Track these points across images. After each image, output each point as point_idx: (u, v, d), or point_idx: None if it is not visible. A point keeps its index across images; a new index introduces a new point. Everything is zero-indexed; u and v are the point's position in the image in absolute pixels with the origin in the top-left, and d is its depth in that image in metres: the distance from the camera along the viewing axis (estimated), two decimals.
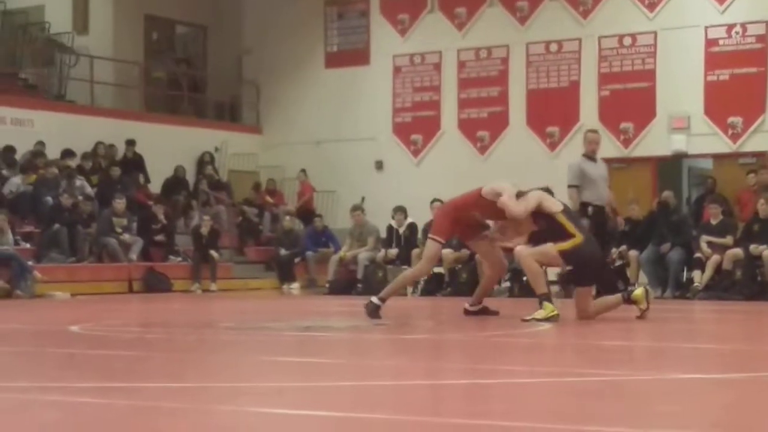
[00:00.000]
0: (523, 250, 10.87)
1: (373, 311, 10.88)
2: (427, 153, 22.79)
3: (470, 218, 11.09)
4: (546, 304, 10.36)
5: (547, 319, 10.19)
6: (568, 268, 10.93)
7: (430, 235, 11.31)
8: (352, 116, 23.43)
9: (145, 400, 5.25)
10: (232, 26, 25.17)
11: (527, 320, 10.29)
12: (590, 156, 13.97)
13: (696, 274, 16.80)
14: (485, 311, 11.40)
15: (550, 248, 10.54)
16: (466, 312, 11.44)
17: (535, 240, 11.13)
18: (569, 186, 13.78)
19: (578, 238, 10.43)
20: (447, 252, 16.98)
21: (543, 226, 10.63)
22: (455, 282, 17.47)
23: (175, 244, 20.47)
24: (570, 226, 10.49)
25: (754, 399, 5.37)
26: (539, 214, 10.56)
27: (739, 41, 19.92)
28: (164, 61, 24.57)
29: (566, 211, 10.69)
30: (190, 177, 23.10)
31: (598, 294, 11.28)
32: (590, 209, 13.56)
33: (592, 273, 10.75)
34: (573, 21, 21.36)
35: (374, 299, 11.06)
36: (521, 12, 21.84)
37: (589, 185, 13.69)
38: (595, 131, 14.82)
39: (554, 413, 4.85)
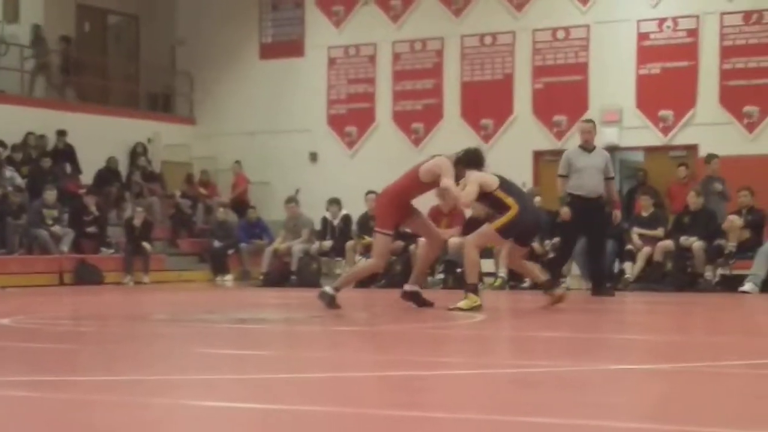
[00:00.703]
0: (467, 238, 11.29)
1: (330, 302, 10.89)
2: (362, 145, 22.77)
3: (410, 201, 11.13)
4: (470, 295, 10.64)
5: (470, 309, 10.46)
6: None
7: (377, 230, 11.08)
8: (287, 108, 23.34)
9: (79, 394, 5.18)
10: (164, 16, 24.93)
11: (452, 309, 10.55)
12: (584, 147, 13.98)
13: (627, 266, 16.96)
14: (420, 300, 11.23)
15: (487, 229, 10.89)
16: (404, 294, 11.29)
17: (471, 227, 11.35)
18: (557, 176, 14.05)
19: (513, 210, 10.69)
20: None
21: (487, 204, 11.01)
22: (390, 274, 17.46)
23: (107, 235, 20.25)
24: (507, 199, 10.76)
25: (687, 389, 5.43)
26: (481, 194, 10.79)
27: (671, 35, 20.14)
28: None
29: (502, 185, 10.87)
30: (123, 168, 22.86)
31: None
32: (567, 199, 13.69)
33: (531, 237, 11.49)
34: (507, 14, 21.45)
35: (328, 289, 11.08)
36: (456, 4, 21.89)
37: (575, 176, 13.73)
38: (589, 121, 14.72)
39: (494, 404, 4.85)
